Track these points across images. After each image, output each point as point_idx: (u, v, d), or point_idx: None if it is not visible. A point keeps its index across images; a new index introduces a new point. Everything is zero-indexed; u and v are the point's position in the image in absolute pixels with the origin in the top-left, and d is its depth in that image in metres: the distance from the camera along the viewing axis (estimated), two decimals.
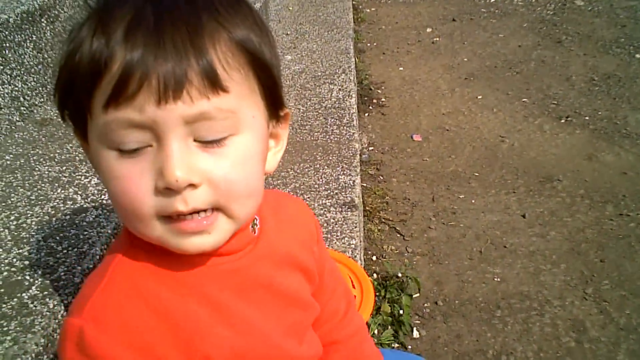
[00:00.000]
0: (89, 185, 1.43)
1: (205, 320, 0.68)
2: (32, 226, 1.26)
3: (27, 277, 1.11)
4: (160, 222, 0.62)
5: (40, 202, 1.35)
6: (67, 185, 1.42)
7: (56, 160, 1.54)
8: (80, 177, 1.46)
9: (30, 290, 1.07)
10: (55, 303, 1.05)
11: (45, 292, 1.07)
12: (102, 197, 1.38)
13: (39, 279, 1.10)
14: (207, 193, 0.61)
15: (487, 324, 1.84)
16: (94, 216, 1.31)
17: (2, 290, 1.07)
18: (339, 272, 0.99)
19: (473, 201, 2.43)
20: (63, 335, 0.64)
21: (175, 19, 0.58)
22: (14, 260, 1.16)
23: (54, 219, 1.29)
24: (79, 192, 1.40)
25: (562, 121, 3.00)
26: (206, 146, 0.60)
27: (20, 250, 1.19)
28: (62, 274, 1.13)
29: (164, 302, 0.66)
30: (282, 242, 0.79)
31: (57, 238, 1.23)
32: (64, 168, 1.50)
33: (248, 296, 0.73)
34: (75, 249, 1.20)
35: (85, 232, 1.25)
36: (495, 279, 2.02)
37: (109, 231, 1.27)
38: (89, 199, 1.37)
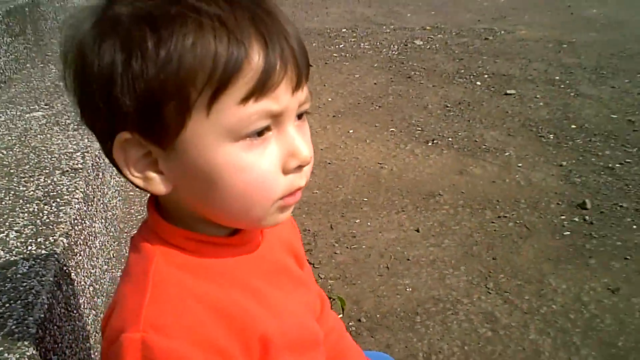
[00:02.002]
0: (8, 239, 1.35)
1: (249, 305, 0.71)
2: None
3: None
4: (278, 201, 0.68)
5: None
6: None
7: None
8: None
9: None
10: (18, 356, 0.99)
11: (1, 348, 1.01)
12: (29, 247, 1.32)
13: None
14: (308, 168, 0.71)
15: (410, 330, 1.95)
16: (27, 267, 1.24)
17: None
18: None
19: (369, 224, 2.56)
20: (121, 354, 0.63)
21: (282, 16, 0.66)
22: None
23: None
24: (1, 248, 1.32)
25: (430, 144, 3.27)
26: (298, 123, 0.69)
27: None
28: (14, 327, 1.06)
29: (211, 296, 0.68)
30: (279, 230, 0.84)
31: None
32: None
33: (272, 280, 0.78)
34: (19, 301, 1.13)
35: (25, 283, 1.19)
36: (407, 290, 2.14)
37: (51, 279, 1.22)
38: (14, 252, 1.30)
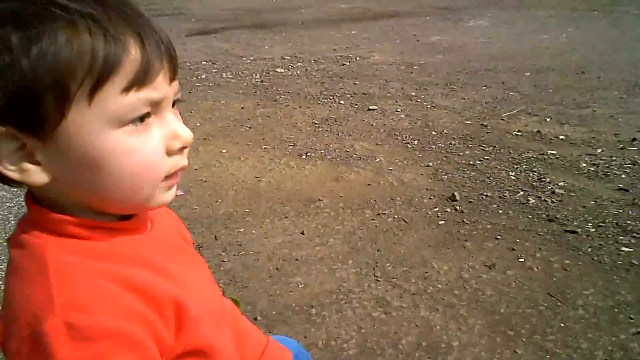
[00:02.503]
0: None
1: (155, 280, 0.70)
2: None
3: None
4: (163, 181, 0.70)
5: None
6: None
7: None
8: None
9: None
10: None
11: None
12: None
13: None
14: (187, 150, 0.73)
15: (307, 322, 1.94)
16: None
17: None
18: None
19: (253, 232, 2.55)
20: (47, 342, 0.59)
21: (147, 16, 0.69)
22: None
23: None
24: None
25: (304, 157, 3.33)
26: (173, 110, 0.72)
27: None
28: None
29: (116, 273, 0.66)
30: (164, 217, 0.85)
31: None
32: None
33: (172, 257, 0.77)
34: None
35: None
36: (300, 286, 2.14)
37: None
38: None
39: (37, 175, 0.65)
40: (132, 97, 0.64)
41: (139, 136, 0.66)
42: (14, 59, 0.60)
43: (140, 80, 0.64)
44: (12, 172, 0.65)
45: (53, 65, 0.60)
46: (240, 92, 4.70)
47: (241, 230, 2.56)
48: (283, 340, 1.31)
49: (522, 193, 2.77)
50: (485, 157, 3.19)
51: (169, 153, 0.69)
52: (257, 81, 4.99)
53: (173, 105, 0.72)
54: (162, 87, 0.66)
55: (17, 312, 0.63)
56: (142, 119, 0.66)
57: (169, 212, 0.92)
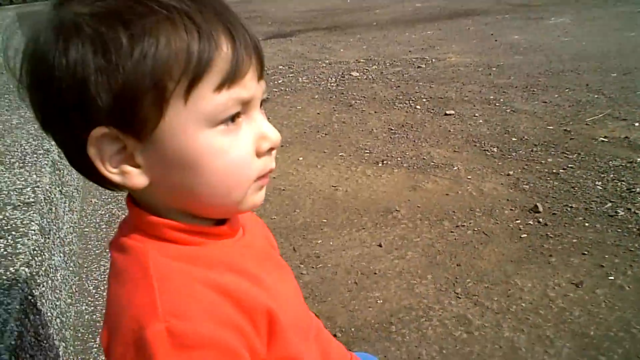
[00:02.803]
0: None
1: (248, 287, 0.71)
2: None
3: None
4: (254, 182, 0.72)
5: None
6: None
7: None
8: None
9: None
10: None
11: None
12: None
13: None
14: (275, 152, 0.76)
15: (387, 340, 1.93)
16: None
17: None
18: None
19: (331, 243, 2.55)
20: (149, 349, 0.61)
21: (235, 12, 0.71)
22: None
23: None
24: None
25: (380, 165, 3.31)
26: (260, 110, 0.73)
27: None
28: None
29: (213, 280, 0.68)
30: (254, 224, 0.87)
31: None
32: None
33: (263, 266, 0.79)
34: None
35: None
36: (379, 302, 2.12)
37: (17, 307, 1.16)
38: None
39: (137, 177, 0.68)
40: (224, 96, 0.66)
41: (230, 136, 0.67)
42: (119, 60, 0.62)
43: (231, 78, 0.65)
44: (113, 175, 0.67)
45: (153, 65, 0.62)
46: (316, 97, 4.73)
47: (319, 241, 2.57)
48: (365, 357, 1.31)
49: (610, 204, 2.65)
50: (570, 166, 3.07)
51: (258, 154, 0.71)
52: (332, 85, 5.00)
53: (260, 106, 0.73)
54: (250, 86, 0.68)
55: (121, 316, 0.66)
56: (232, 118, 0.67)
57: (257, 218, 0.94)
